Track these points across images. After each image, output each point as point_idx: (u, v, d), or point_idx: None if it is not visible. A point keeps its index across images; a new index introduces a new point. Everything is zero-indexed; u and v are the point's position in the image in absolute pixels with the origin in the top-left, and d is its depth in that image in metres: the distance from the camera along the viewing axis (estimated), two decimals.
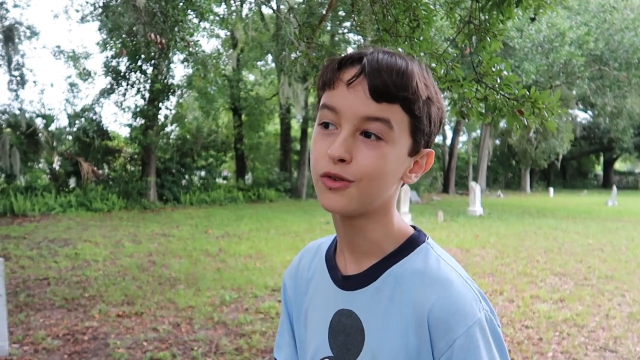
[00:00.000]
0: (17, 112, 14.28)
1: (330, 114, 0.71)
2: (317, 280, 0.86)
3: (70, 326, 4.42)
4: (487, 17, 3.60)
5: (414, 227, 0.82)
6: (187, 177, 18.15)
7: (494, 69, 2.95)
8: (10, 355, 3.73)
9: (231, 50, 19.53)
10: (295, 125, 23.57)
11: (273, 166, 22.98)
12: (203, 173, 19.35)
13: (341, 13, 16.19)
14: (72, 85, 16.81)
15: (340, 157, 0.69)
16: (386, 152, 0.70)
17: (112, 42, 15.46)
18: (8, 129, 13.90)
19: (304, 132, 21.36)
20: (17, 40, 13.92)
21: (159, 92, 15.70)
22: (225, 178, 23.29)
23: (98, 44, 16.25)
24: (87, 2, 14.98)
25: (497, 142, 33.63)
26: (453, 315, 0.69)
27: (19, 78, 14.16)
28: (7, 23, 13.72)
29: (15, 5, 16.54)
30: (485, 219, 13.87)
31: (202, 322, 4.56)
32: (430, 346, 0.71)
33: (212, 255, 7.80)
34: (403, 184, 0.78)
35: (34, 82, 19.27)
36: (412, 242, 0.78)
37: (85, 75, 18.04)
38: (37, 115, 15.05)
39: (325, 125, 0.72)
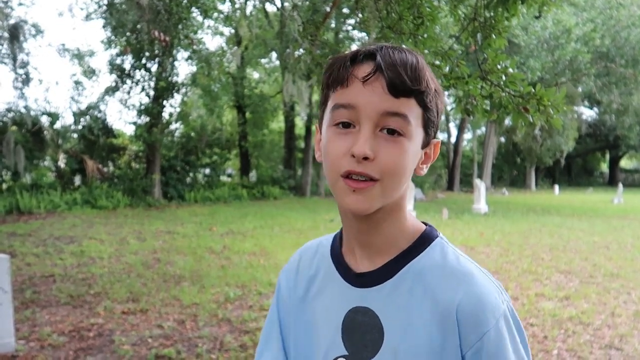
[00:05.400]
0: (23, 110, 14.34)
1: (347, 112, 0.71)
2: (322, 279, 0.84)
3: (75, 323, 4.44)
4: (492, 14, 3.59)
5: (424, 222, 0.82)
6: (191, 174, 18.19)
7: (499, 67, 2.93)
8: (17, 352, 3.75)
9: (235, 47, 19.53)
10: (300, 123, 23.56)
11: (277, 164, 23.00)
12: (207, 171, 19.40)
13: (345, 10, 16.16)
14: (77, 83, 16.86)
15: (365, 155, 0.68)
16: (407, 147, 0.71)
17: (116, 40, 15.50)
18: (13, 127, 13.97)
19: (308, 130, 21.34)
20: (22, 39, 13.96)
21: (164, 89, 15.73)
22: (229, 176, 23.34)
23: (102, 41, 16.30)
24: (91, 0, 15.03)
25: (502, 139, 33.51)
26: (482, 310, 0.71)
27: (24, 76, 14.21)
28: (12, 21, 13.77)
29: (20, 4, 16.60)
30: (490, 216, 13.83)
31: (207, 319, 4.57)
32: (457, 340, 0.72)
33: (217, 252, 7.81)
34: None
35: (39, 80, 19.35)
36: (426, 238, 0.78)
37: (90, 73, 18.12)
38: (43, 113, 15.11)
39: (343, 124, 0.71)
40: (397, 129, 0.69)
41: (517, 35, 17.91)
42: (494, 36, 3.41)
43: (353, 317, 0.77)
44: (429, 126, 0.74)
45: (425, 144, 0.76)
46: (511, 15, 3.58)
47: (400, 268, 0.76)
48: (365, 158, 0.68)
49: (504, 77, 3.01)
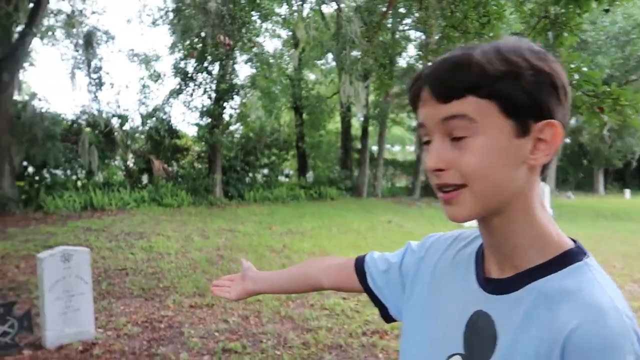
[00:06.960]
0: (96, 112, 15.20)
1: (422, 130, 0.74)
2: (463, 268, 0.83)
3: (148, 314, 4.69)
4: (562, 11, 3.48)
5: (574, 240, 0.76)
6: (250, 174, 18.60)
7: (572, 65, 2.85)
8: (96, 339, 4.02)
9: (292, 49, 19.80)
10: (356, 123, 23.54)
11: (334, 164, 23.08)
12: (266, 171, 19.77)
13: (401, 10, 16.00)
14: (144, 86, 17.66)
15: (434, 168, 0.70)
16: (479, 146, 0.67)
17: (181, 44, 16.11)
18: (88, 129, 14.83)
19: (364, 131, 21.30)
20: (95, 45, 14.81)
21: (224, 91, 16.18)
22: (287, 176, 23.65)
23: (169, 46, 16.97)
24: (158, 8, 15.71)
25: (568, 140, 32.01)
26: (595, 350, 0.61)
27: (97, 80, 15.05)
28: (86, 29, 14.64)
29: (93, 12, 17.62)
30: (556, 220, 13.25)
31: (270, 316, 4.70)
32: None
33: (277, 251, 7.98)
34: (543, 172, 0.72)
35: (111, 84, 20.29)
36: (567, 258, 0.71)
37: (156, 76, 18.91)
38: (113, 115, 15.93)
39: (425, 142, 0.74)
40: (461, 132, 0.68)
41: (585, 30, 17.08)
42: (565, 34, 3.31)
43: (476, 319, 0.76)
44: (514, 112, 0.67)
45: (523, 132, 0.68)
46: (583, 12, 3.46)
47: (527, 284, 0.71)
48: (438, 170, 0.69)
49: (577, 76, 2.92)
